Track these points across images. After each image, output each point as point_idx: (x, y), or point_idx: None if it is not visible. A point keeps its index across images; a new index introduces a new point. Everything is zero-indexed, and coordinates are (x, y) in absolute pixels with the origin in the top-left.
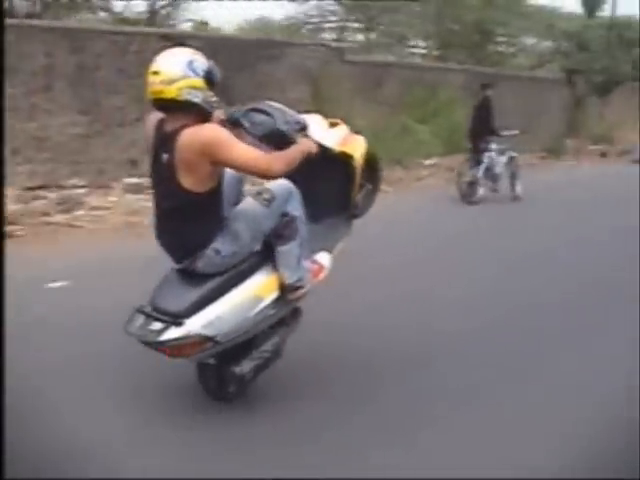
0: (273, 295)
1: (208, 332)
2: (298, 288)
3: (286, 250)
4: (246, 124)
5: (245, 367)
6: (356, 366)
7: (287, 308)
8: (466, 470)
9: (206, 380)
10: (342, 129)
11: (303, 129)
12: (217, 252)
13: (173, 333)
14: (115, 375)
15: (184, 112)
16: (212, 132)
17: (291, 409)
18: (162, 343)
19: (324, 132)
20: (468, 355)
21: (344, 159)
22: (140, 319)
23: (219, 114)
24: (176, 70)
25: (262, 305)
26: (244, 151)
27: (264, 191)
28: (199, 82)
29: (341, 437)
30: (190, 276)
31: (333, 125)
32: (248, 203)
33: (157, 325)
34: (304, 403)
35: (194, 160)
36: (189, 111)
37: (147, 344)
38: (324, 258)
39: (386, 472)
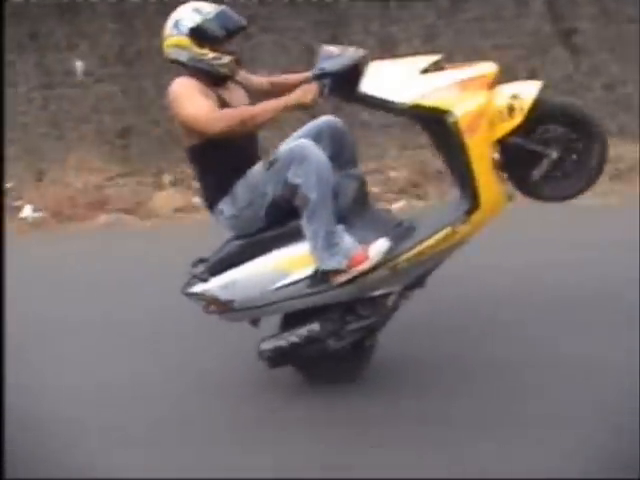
0: (304, 272)
1: (222, 295)
2: (329, 273)
3: (303, 225)
4: None
5: (266, 344)
6: None
7: (340, 293)
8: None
9: None
10: (450, 74)
11: (323, 76)
12: (221, 212)
13: (197, 287)
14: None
15: (190, 72)
16: (175, 86)
17: None
18: (187, 294)
19: (400, 80)
20: None
21: (436, 115)
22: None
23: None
24: (167, 27)
25: (286, 280)
26: (190, 106)
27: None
28: (183, 40)
29: None
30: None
31: (439, 68)
32: (257, 165)
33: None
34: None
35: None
36: (194, 70)
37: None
38: (377, 246)
39: None
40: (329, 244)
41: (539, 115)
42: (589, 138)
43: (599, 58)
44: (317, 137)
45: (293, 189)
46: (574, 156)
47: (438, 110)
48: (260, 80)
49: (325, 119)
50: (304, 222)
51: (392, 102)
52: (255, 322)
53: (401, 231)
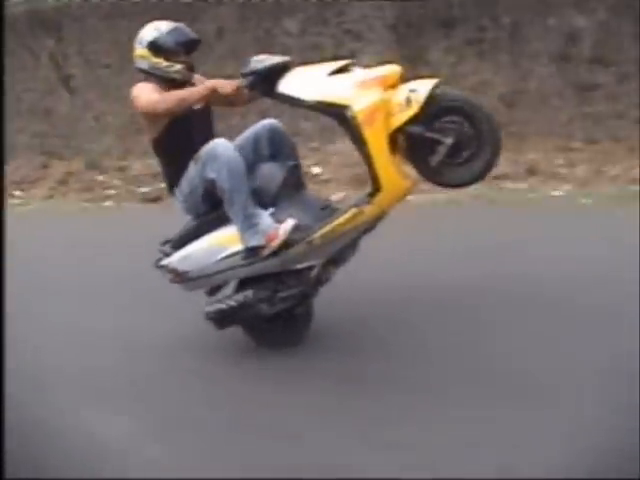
0: (237, 247)
1: (180, 266)
2: (256, 248)
3: (226, 210)
4: None
5: (210, 307)
6: None
7: (267, 265)
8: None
9: None
10: (353, 75)
11: (248, 74)
12: (177, 197)
13: (164, 261)
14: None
15: (151, 78)
16: (135, 88)
17: None
18: (158, 267)
19: (310, 81)
20: None
21: (335, 111)
22: None
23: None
24: (135, 42)
25: (225, 253)
26: (145, 97)
27: None
28: (144, 52)
29: None
30: None
31: (347, 71)
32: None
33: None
34: None
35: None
36: (154, 77)
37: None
38: (285, 225)
39: None
40: (249, 225)
41: (438, 107)
42: (482, 128)
43: (89, 97)
44: (257, 138)
45: (212, 182)
46: (470, 145)
47: (338, 105)
48: None
49: (265, 122)
50: (226, 208)
51: (300, 99)
52: (212, 291)
53: (325, 213)
